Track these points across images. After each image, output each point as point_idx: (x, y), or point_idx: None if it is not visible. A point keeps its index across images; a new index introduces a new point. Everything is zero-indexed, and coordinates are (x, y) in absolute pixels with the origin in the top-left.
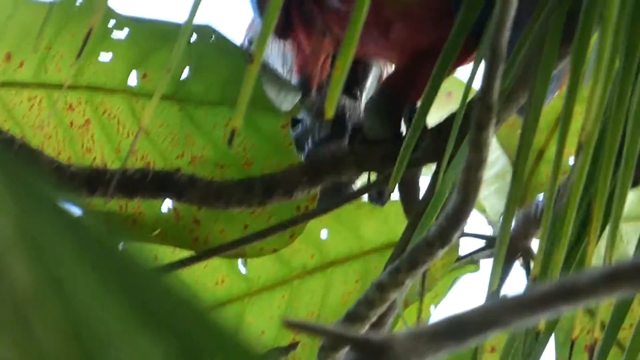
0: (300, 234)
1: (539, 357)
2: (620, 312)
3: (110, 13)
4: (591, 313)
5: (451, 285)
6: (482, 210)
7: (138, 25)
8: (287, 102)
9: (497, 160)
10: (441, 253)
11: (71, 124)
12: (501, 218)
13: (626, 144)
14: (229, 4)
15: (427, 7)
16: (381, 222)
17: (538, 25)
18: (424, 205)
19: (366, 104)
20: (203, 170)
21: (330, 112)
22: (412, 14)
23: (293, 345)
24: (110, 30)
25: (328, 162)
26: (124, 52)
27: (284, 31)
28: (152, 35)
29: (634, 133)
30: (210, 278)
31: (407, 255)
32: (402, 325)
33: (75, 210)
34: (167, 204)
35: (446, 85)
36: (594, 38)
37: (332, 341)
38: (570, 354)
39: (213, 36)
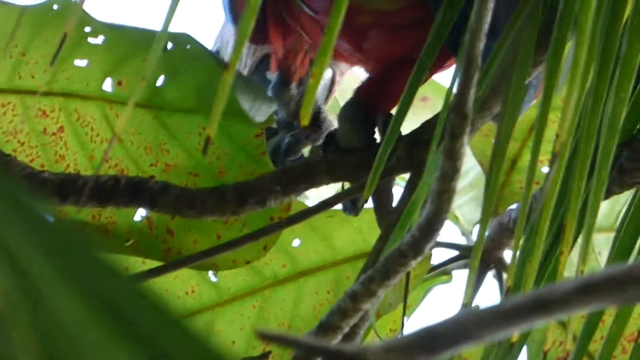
0: (274, 245)
1: None
2: (592, 324)
3: (86, 19)
4: (563, 325)
5: (424, 296)
6: (455, 220)
7: (114, 31)
8: (260, 112)
9: (470, 169)
10: (414, 263)
11: (44, 130)
12: (475, 228)
13: (599, 154)
14: (204, 11)
15: (401, 15)
16: (354, 232)
17: (513, 34)
18: (397, 215)
19: (340, 112)
20: (176, 178)
21: (306, 120)
22: (385, 22)
23: (264, 356)
24: (86, 36)
25: (301, 171)
26: (99, 59)
27: (256, 36)
28: (128, 42)
29: (607, 143)
30: (180, 287)
31: (380, 265)
32: (374, 336)
33: (48, 218)
34: (140, 213)
35: (421, 89)
36: (569, 46)
37: (305, 352)
38: None
39: (189, 44)
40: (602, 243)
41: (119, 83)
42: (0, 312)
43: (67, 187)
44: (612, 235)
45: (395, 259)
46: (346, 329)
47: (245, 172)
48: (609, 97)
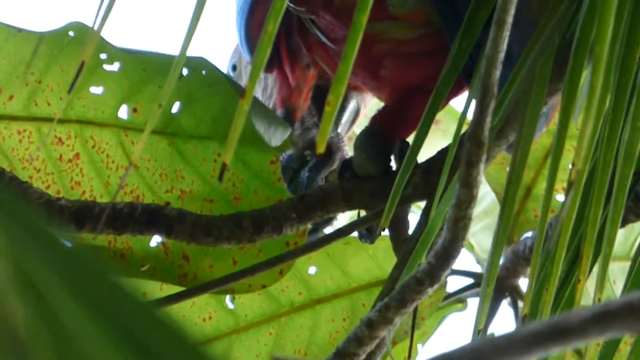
0: (289, 270)
1: None
2: (609, 352)
3: (103, 45)
4: (580, 353)
5: (439, 324)
6: (470, 248)
7: (129, 57)
8: (276, 137)
9: (484, 197)
10: (430, 291)
11: (60, 157)
12: (490, 256)
13: (616, 182)
14: (219, 35)
15: (417, 44)
16: (370, 259)
17: (529, 62)
18: (413, 243)
19: (356, 140)
20: (192, 205)
21: (322, 147)
22: (401, 51)
23: None
24: (102, 63)
25: (317, 199)
26: (114, 86)
27: (268, 64)
28: (144, 68)
29: (623, 171)
30: (197, 314)
31: (396, 292)
32: None
33: (66, 245)
34: (156, 239)
35: None
36: (585, 75)
37: None
38: None
39: (204, 69)
40: (617, 272)
41: (135, 110)
42: (21, 339)
43: (83, 214)
44: (627, 264)
45: (412, 286)
46: (362, 357)
47: (261, 199)
48: (625, 125)
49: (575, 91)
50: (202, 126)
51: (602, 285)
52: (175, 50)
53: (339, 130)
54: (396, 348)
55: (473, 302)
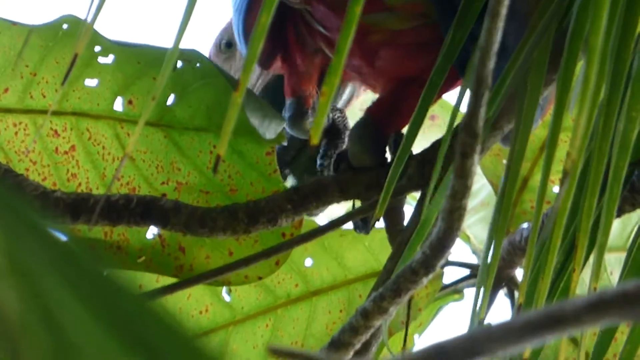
0: (285, 261)
1: None
2: (604, 341)
3: (97, 38)
4: (575, 342)
5: (435, 314)
6: (466, 239)
7: (124, 50)
8: (270, 130)
9: (481, 188)
10: (425, 281)
11: (56, 149)
12: (485, 247)
13: (611, 173)
14: (212, 27)
15: (412, 35)
16: (366, 251)
17: (524, 54)
18: (409, 234)
19: (351, 131)
20: (188, 196)
21: (315, 139)
22: (397, 42)
23: None
24: (96, 55)
25: (312, 190)
26: (109, 78)
27: (268, 59)
28: (138, 61)
29: (618, 162)
30: (194, 307)
31: (391, 282)
32: (386, 353)
33: (61, 236)
34: (152, 230)
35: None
36: (580, 66)
37: None
38: None
39: (198, 62)
40: (614, 263)
41: (130, 102)
42: (15, 332)
43: (79, 206)
44: (623, 255)
45: (407, 276)
46: (358, 346)
47: (257, 190)
48: (620, 116)
49: (570, 82)
50: (198, 118)
51: (597, 275)
52: (168, 44)
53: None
54: (393, 338)
55: (469, 293)
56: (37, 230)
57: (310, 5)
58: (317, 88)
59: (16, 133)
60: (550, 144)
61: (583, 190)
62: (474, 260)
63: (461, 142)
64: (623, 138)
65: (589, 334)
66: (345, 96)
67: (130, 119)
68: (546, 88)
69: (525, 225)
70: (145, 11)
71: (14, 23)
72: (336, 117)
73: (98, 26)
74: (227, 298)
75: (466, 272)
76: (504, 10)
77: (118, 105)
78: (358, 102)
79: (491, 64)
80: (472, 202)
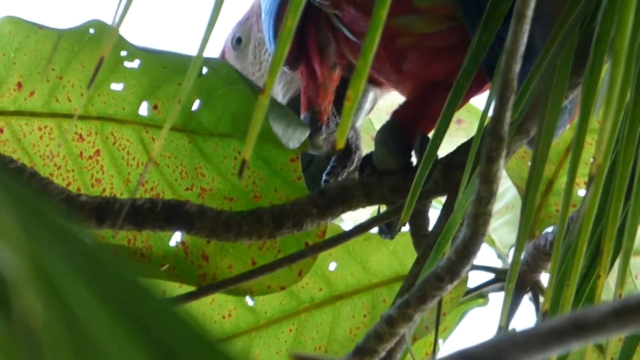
0: (309, 271)
1: None
2: (630, 348)
3: (122, 43)
4: (601, 348)
5: (460, 319)
6: (491, 243)
7: (150, 56)
8: (294, 139)
9: (506, 191)
10: (450, 287)
11: (81, 154)
12: (510, 251)
13: (637, 176)
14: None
15: (440, 38)
16: (390, 255)
17: (549, 57)
18: (434, 238)
19: (377, 135)
20: (212, 202)
21: (341, 143)
22: (425, 45)
23: None
24: (122, 60)
25: (338, 194)
26: (135, 83)
27: (294, 62)
28: (163, 66)
29: None
30: (217, 311)
31: (416, 289)
32: None
33: (85, 241)
34: (175, 238)
35: (456, 112)
36: (605, 69)
37: None
38: None
39: (224, 69)
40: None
41: (155, 107)
42: (40, 338)
43: (104, 210)
44: None
45: (432, 282)
46: (382, 353)
47: (281, 197)
48: None
49: (595, 85)
50: (222, 124)
51: (622, 281)
52: (193, 50)
53: (356, 119)
54: (416, 344)
55: (494, 297)
56: (62, 234)
57: (340, 9)
58: (332, 104)
59: (41, 137)
60: (576, 147)
61: (609, 194)
62: (498, 264)
63: (487, 146)
64: None
65: (614, 340)
66: (367, 104)
67: (155, 123)
68: (572, 91)
69: (550, 229)
70: (171, 18)
71: (41, 27)
72: (350, 135)
73: (124, 32)
74: (250, 302)
75: (491, 276)
76: (530, 13)
77: (143, 109)
78: (385, 105)
79: (517, 67)
80: (497, 205)
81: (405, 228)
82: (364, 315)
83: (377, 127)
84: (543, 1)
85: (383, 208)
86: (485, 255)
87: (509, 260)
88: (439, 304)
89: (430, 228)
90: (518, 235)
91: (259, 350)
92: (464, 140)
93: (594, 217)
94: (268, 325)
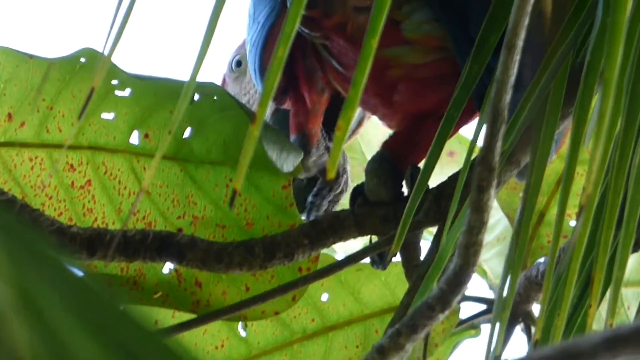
0: (302, 296)
1: None
2: None
3: (114, 71)
4: None
5: (452, 350)
6: (483, 274)
7: (140, 83)
8: (288, 162)
9: (497, 223)
10: (442, 317)
11: (72, 184)
12: (501, 281)
13: (627, 207)
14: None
15: (431, 68)
16: (382, 286)
17: (540, 87)
18: (425, 269)
19: (367, 165)
20: (204, 230)
21: (332, 172)
22: (415, 76)
23: None
24: (113, 89)
25: (329, 224)
26: (126, 111)
27: (281, 95)
28: (155, 94)
29: (635, 196)
30: (209, 342)
31: (407, 318)
32: None
33: (77, 272)
34: (168, 265)
35: (447, 143)
36: (595, 99)
37: None
38: None
39: (216, 95)
40: (631, 297)
41: (146, 136)
42: None
43: (95, 242)
44: None
45: (423, 312)
46: None
47: (273, 224)
48: (636, 150)
49: (585, 115)
50: (214, 151)
51: (613, 310)
52: (185, 76)
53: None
54: None
55: (486, 328)
56: (51, 265)
57: (329, 39)
58: (322, 127)
59: (32, 167)
60: (567, 177)
61: (599, 225)
62: (490, 295)
63: (477, 176)
64: (639, 171)
65: None
66: (353, 124)
67: (147, 152)
68: (562, 122)
69: (541, 259)
70: (163, 43)
71: (31, 56)
72: (340, 163)
73: (116, 59)
74: (242, 333)
75: (483, 307)
76: (520, 43)
77: (134, 138)
78: (375, 135)
79: (507, 97)
80: (488, 236)
81: (397, 258)
82: (357, 346)
83: (368, 157)
84: (533, 32)
85: (375, 238)
86: (477, 286)
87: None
88: (427, 334)
89: (421, 258)
90: (506, 266)
91: None
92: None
93: (585, 247)
94: (260, 356)
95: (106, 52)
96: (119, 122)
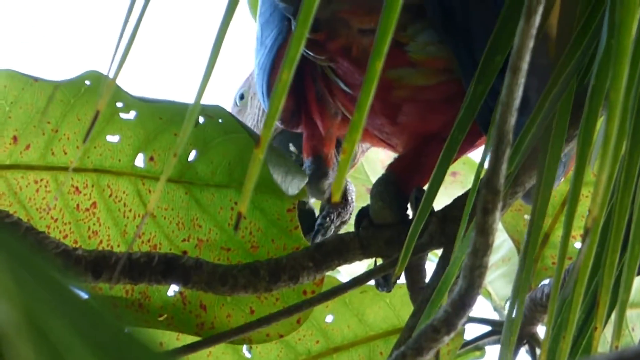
0: (307, 319)
1: None
2: None
3: (119, 94)
4: None
5: None
6: (487, 295)
7: (146, 106)
8: (293, 185)
9: (502, 244)
10: (447, 339)
11: (77, 206)
12: (507, 303)
13: (632, 229)
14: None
15: (436, 90)
16: (387, 308)
17: (545, 109)
18: (430, 291)
19: (372, 188)
20: (209, 253)
21: (337, 196)
22: (421, 98)
23: None
24: (118, 111)
25: (334, 247)
26: (131, 134)
27: (292, 119)
28: (159, 117)
29: None
30: None
31: (412, 340)
32: None
33: (82, 294)
34: (173, 287)
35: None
36: (601, 121)
37: None
38: None
39: (220, 117)
40: (636, 319)
41: (151, 158)
42: None
43: (100, 264)
44: None
45: (428, 334)
46: None
47: (278, 247)
48: None
49: (591, 138)
50: (219, 174)
51: (619, 333)
52: (190, 99)
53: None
54: None
55: (491, 350)
56: (57, 287)
57: (335, 61)
58: (336, 150)
59: (37, 190)
60: (572, 199)
61: (604, 247)
62: (495, 316)
63: (482, 198)
64: None
65: None
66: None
67: (152, 175)
68: (567, 144)
69: (546, 281)
70: (168, 65)
71: (36, 79)
72: (347, 186)
73: (120, 81)
74: (247, 355)
75: (487, 328)
76: (525, 66)
77: (139, 161)
78: (379, 157)
79: (513, 119)
80: (493, 258)
81: (402, 280)
82: None
83: (373, 179)
84: (538, 54)
85: (379, 261)
86: (481, 307)
87: (506, 312)
88: (436, 356)
89: (426, 281)
90: (514, 290)
91: None
92: (459, 192)
93: (590, 269)
94: None
95: (111, 75)
96: (124, 145)
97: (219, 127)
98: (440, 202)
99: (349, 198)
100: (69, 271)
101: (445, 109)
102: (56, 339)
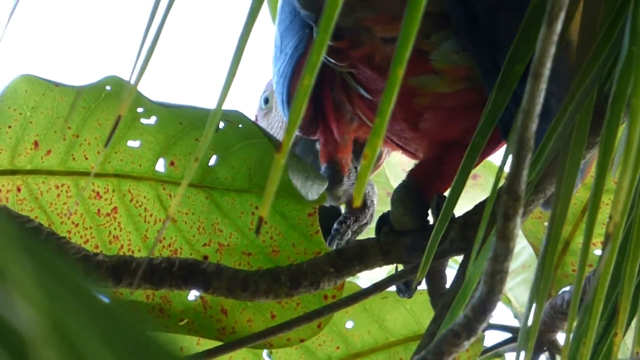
0: (327, 324)
1: None
2: None
3: (140, 99)
4: None
5: None
6: (508, 302)
7: (166, 111)
8: (313, 191)
9: (522, 251)
10: (467, 344)
11: (98, 211)
12: (526, 310)
13: None
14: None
15: (458, 97)
16: (407, 314)
17: (567, 116)
18: (451, 297)
19: (393, 194)
20: (230, 258)
21: (358, 201)
22: (443, 105)
23: None
24: (139, 117)
25: (355, 253)
26: (151, 139)
27: (310, 127)
28: (180, 122)
29: None
30: None
31: (433, 346)
32: None
33: (103, 299)
34: (194, 292)
35: None
36: (622, 128)
37: None
38: None
39: (240, 123)
40: None
41: (172, 163)
42: None
43: (121, 269)
44: None
45: (449, 339)
46: None
47: (299, 251)
48: None
49: (612, 145)
50: (239, 179)
51: (639, 339)
52: (211, 104)
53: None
54: None
55: (510, 357)
56: (80, 293)
57: (356, 68)
58: (352, 156)
59: (58, 195)
60: (593, 206)
61: (625, 254)
62: (515, 323)
63: (503, 204)
64: None
65: None
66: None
67: (172, 180)
68: (588, 151)
69: (567, 288)
70: (189, 71)
71: (57, 84)
72: (366, 190)
73: (141, 85)
74: None
75: (507, 335)
76: (546, 72)
77: (160, 166)
78: (400, 162)
79: (534, 126)
80: (513, 265)
81: (423, 286)
82: None
83: (394, 183)
84: (559, 61)
85: (400, 267)
86: (501, 314)
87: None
88: None
89: (447, 286)
90: (531, 294)
91: None
92: (479, 195)
93: (611, 275)
94: None
95: (132, 81)
96: (145, 150)
97: (239, 132)
98: (460, 205)
99: (368, 202)
100: (90, 276)
101: (466, 116)
102: (82, 345)
